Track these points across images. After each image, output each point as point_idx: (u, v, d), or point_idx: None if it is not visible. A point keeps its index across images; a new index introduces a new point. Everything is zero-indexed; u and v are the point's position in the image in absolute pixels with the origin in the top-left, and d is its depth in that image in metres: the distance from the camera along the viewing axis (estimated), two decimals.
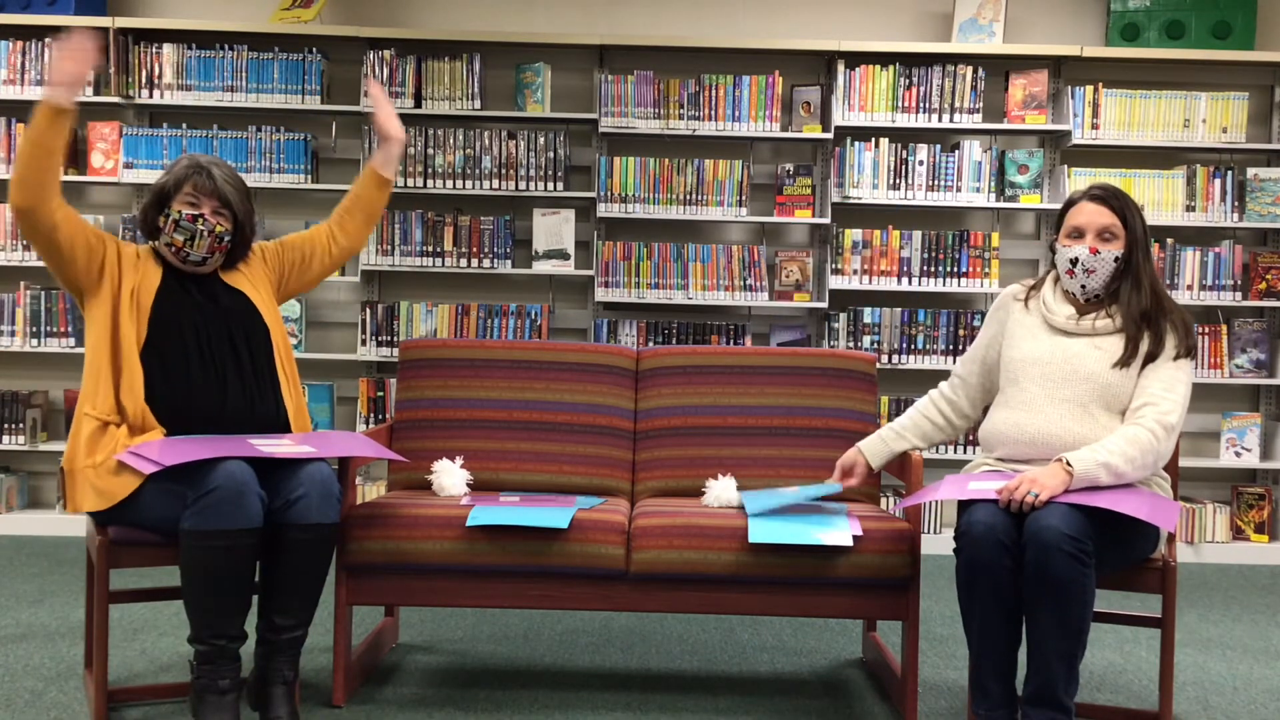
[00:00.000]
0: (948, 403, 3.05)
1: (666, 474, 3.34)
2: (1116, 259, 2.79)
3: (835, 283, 5.06)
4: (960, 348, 5.03)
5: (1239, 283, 5.08)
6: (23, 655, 3.29)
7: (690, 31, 5.30)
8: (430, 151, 5.06)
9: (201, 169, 2.88)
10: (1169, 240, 5.07)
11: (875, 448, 3.05)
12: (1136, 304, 2.77)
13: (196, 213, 2.85)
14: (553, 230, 5.10)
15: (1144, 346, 2.76)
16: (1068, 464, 2.60)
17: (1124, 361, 2.75)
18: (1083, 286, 2.81)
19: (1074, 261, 2.80)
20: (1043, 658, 2.53)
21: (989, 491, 2.62)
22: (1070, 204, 2.87)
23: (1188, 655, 3.59)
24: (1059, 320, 2.83)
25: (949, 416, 3.05)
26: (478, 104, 5.06)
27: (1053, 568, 2.48)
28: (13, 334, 5.06)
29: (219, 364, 2.82)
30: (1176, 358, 2.76)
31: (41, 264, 4.99)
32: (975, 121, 5.06)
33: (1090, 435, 2.70)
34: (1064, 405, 2.75)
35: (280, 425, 2.89)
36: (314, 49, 5.08)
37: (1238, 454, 5.12)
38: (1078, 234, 2.81)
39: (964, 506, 2.69)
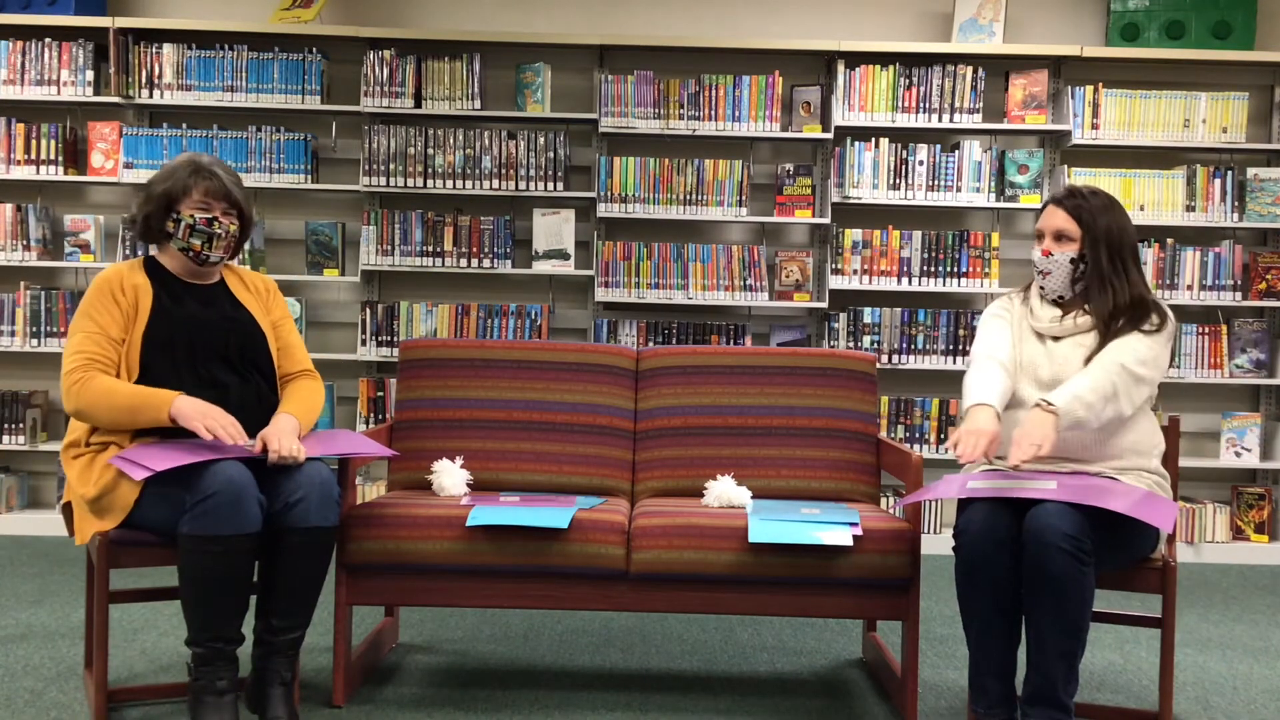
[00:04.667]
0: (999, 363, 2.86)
1: (666, 474, 3.34)
2: (1071, 260, 2.82)
3: (835, 283, 5.06)
4: (960, 347, 5.03)
5: (1239, 283, 5.07)
6: (23, 655, 3.29)
7: (690, 31, 5.30)
8: (430, 151, 5.06)
9: (206, 171, 2.87)
10: (1169, 240, 5.07)
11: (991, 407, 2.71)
12: (1103, 304, 2.81)
13: (210, 216, 2.85)
14: (553, 230, 5.10)
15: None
16: (1047, 404, 2.61)
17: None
18: (1041, 288, 2.88)
19: (1033, 263, 2.88)
20: (1042, 657, 2.54)
21: (988, 490, 2.62)
22: (1044, 207, 2.92)
23: (1188, 655, 3.59)
24: (1043, 325, 2.87)
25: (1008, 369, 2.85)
26: (478, 104, 5.06)
27: (1051, 566, 2.49)
28: (13, 334, 5.06)
29: (216, 377, 2.81)
30: (1151, 331, 2.77)
31: (41, 264, 5.06)
32: (975, 121, 5.06)
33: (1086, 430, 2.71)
34: None
35: None
36: (314, 49, 5.08)
37: (1238, 454, 5.12)
38: (1040, 236, 2.89)
39: (963, 505, 2.70)
